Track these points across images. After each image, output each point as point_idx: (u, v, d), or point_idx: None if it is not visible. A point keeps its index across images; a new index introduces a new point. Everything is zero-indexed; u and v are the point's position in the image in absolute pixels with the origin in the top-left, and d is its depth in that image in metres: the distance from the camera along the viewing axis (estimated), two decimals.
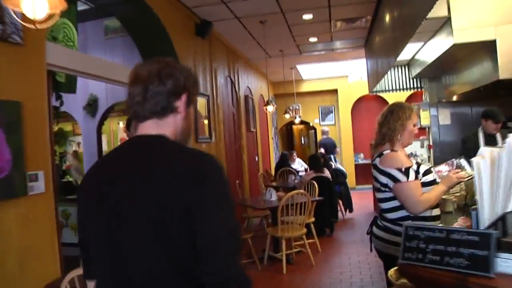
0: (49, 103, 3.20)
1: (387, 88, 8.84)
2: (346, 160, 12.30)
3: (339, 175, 8.37)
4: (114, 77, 4.12)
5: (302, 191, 5.41)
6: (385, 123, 2.72)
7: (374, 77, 8.04)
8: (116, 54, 5.93)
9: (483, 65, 5.97)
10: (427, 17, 4.07)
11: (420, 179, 2.50)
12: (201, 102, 5.80)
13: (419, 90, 8.92)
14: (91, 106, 6.34)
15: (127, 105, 1.31)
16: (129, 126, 3.60)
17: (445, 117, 8.26)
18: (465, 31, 5.18)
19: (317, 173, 7.07)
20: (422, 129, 11.96)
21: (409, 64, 8.64)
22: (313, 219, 6.01)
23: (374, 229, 2.76)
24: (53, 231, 3.06)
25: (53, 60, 3.25)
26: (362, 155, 12.47)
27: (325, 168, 7.27)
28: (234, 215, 1.20)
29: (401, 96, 11.78)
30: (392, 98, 11.99)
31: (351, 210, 8.38)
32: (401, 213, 2.50)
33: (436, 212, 2.57)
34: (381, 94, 11.58)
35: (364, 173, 12.24)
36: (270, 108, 7.76)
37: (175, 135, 1.29)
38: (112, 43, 6.08)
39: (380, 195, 2.64)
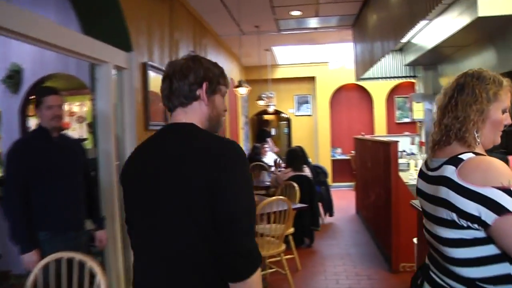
0: None
1: (375, 76, 7.77)
2: (322, 155, 11.23)
3: (319, 173, 7.26)
4: (45, 38, 2.80)
5: (282, 197, 4.23)
6: (450, 108, 1.56)
7: (365, 63, 6.94)
8: (49, 11, 4.58)
9: (487, 54, 5.34)
10: None
11: None
12: (155, 78, 4.54)
13: (412, 79, 7.86)
14: (12, 78, 4.94)
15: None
16: (39, 105, 2.77)
17: None
18: (492, 2, 4.13)
19: (296, 172, 5.93)
20: (411, 124, 11.20)
21: (403, 49, 7.58)
22: (292, 230, 4.87)
23: None
24: None
25: None
26: (339, 150, 11.43)
27: (305, 166, 6.14)
28: (252, 196, 1.35)
29: (387, 86, 10.85)
30: (375, 88, 11.00)
31: (331, 214, 7.30)
32: (497, 269, 1.35)
33: None
34: (363, 84, 10.60)
35: (340, 169, 11.23)
36: (243, 90, 6.51)
37: (202, 122, 1.46)
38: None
39: (447, 233, 1.42)
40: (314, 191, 5.97)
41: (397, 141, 4.55)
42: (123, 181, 1.51)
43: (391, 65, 7.71)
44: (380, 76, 7.77)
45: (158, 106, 4.69)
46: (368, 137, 7.91)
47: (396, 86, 11.03)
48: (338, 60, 9.81)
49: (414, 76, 7.72)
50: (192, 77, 1.42)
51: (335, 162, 11.30)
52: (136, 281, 1.45)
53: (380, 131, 10.96)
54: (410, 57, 7.36)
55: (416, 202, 3.29)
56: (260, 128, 15.94)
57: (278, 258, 4.33)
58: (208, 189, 1.26)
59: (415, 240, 3.77)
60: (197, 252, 1.30)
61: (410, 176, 4.84)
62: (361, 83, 10.69)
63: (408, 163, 4.85)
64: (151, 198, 1.37)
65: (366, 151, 6.54)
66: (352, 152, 10.83)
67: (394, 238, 4.58)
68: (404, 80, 7.95)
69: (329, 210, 7.25)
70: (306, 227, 5.79)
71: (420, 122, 7.67)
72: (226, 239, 1.26)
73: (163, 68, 5.10)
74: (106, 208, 3.50)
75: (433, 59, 7.23)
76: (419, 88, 7.61)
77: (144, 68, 4.27)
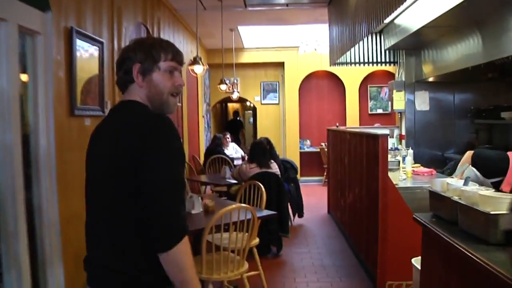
0: None
1: (352, 61, 6.97)
2: (290, 147, 10.43)
3: (288, 169, 6.42)
4: None
5: (244, 205, 3.33)
6: None
7: (342, 46, 6.11)
8: None
9: (473, 42, 5.05)
10: None
11: None
12: (86, 50, 3.54)
13: (392, 65, 7.11)
14: None
15: None
16: None
17: (423, 101, 6.52)
18: None
19: (262, 168, 5.07)
20: (385, 115, 10.57)
21: (383, 32, 6.80)
22: (257, 241, 4.01)
23: None
24: None
25: None
26: (308, 142, 10.67)
27: (272, 161, 5.28)
28: (177, 171, 1.40)
29: (361, 74, 10.12)
30: (348, 76, 10.25)
31: (301, 215, 6.49)
32: None
33: None
34: (335, 71, 9.85)
35: (309, 162, 10.49)
36: (198, 69, 5.51)
37: (143, 102, 1.49)
38: None
39: None
40: (283, 191, 5.11)
41: (387, 134, 3.75)
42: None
43: (370, 49, 6.94)
44: (357, 61, 6.98)
45: (92, 86, 3.70)
46: (345, 128, 7.11)
47: (370, 75, 10.34)
48: (309, 44, 8.97)
49: (394, 62, 6.97)
50: (126, 65, 1.49)
51: (303, 155, 10.54)
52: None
53: (352, 123, 10.25)
54: (391, 41, 6.60)
55: (423, 216, 2.49)
56: (234, 117, 15.16)
57: (239, 276, 3.45)
58: (132, 163, 1.33)
59: (414, 261, 2.97)
60: (127, 223, 1.39)
61: (400, 177, 4.05)
62: (333, 70, 9.99)
63: (398, 161, 4.09)
64: (91, 175, 1.51)
65: (343, 145, 5.75)
66: (323, 144, 10.11)
67: (381, 251, 3.79)
68: (383, 66, 7.19)
69: (299, 210, 6.44)
70: (274, 233, 4.95)
71: (399, 113, 6.94)
72: (148, 212, 1.33)
73: (100, 39, 4.11)
74: (7, 223, 2.54)
75: (416, 44, 6.50)
76: (400, 75, 6.88)
77: (69, 35, 3.27)
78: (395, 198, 3.73)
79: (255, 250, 3.92)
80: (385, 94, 10.49)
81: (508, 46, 4.32)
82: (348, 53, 6.68)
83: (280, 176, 5.25)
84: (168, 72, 1.48)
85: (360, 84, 10.38)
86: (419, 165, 4.97)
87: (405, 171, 4.36)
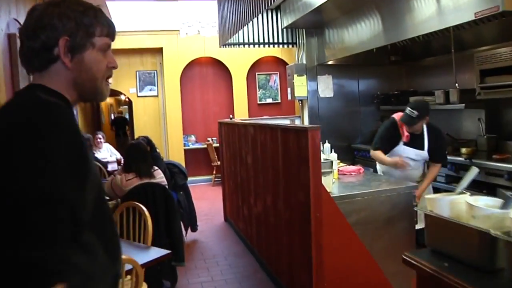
0: None
1: (245, 41, 5.95)
2: (173, 145, 9.15)
3: (175, 174, 5.18)
4: None
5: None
6: None
7: (235, 24, 5.07)
8: None
9: (374, 23, 4.89)
10: None
11: None
12: None
13: (291, 46, 6.24)
14: None
15: None
16: None
17: (326, 87, 5.76)
18: None
19: (144, 179, 3.79)
20: (275, 104, 9.82)
21: (280, 8, 5.88)
22: None
23: None
24: None
25: None
26: (193, 138, 9.48)
27: (155, 168, 4.02)
28: (64, 183, 0.93)
29: (248, 61, 9.21)
30: (235, 63, 9.24)
31: (194, 228, 5.32)
32: None
33: None
34: (221, 57, 8.83)
35: (195, 161, 9.32)
36: None
37: (66, 90, 1.11)
38: None
39: None
40: (173, 207, 3.87)
41: (318, 127, 2.75)
42: None
43: (266, 28, 5.98)
44: (250, 41, 5.98)
45: None
46: (247, 121, 6.10)
47: (258, 62, 9.48)
48: (192, 26, 7.75)
49: (293, 43, 6.11)
50: (45, 37, 1.07)
51: (188, 153, 9.34)
52: None
53: (241, 114, 9.32)
54: (289, 19, 5.73)
55: (421, 257, 1.53)
56: (118, 114, 13.45)
57: None
58: None
59: None
60: None
61: (333, 184, 3.10)
62: (218, 57, 8.95)
63: (331, 162, 3.15)
64: None
65: (243, 141, 4.70)
66: (210, 139, 9.06)
67: (316, 280, 2.81)
68: (281, 47, 6.29)
69: (192, 223, 5.26)
70: (165, 265, 3.73)
71: (300, 100, 6.11)
72: (9, 241, 0.88)
73: None
74: None
75: (317, 22, 5.71)
76: (300, 58, 6.04)
77: None
78: (332, 212, 2.77)
79: None
80: (274, 82, 9.79)
81: (409, 29, 4.33)
82: (240, 32, 5.65)
83: (167, 186, 4.03)
84: (102, 51, 1.14)
85: (248, 72, 9.49)
86: (338, 161, 4.12)
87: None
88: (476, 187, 4.03)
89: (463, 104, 4.61)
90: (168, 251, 2.57)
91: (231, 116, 8.05)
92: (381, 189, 3.05)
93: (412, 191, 3.14)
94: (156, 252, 2.52)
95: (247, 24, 4.74)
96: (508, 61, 4.28)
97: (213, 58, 9.16)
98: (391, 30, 4.67)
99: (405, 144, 3.75)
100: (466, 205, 1.45)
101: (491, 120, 4.70)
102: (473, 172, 1.73)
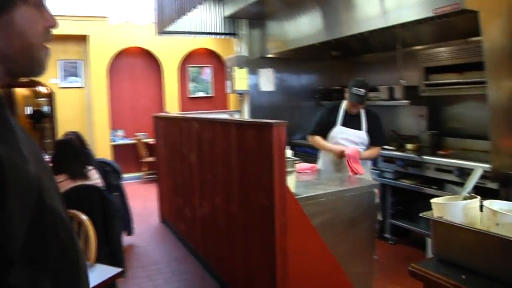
0: None
1: (183, 29, 5.59)
2: (100, 141, 8.54)
3: (108, 173, 4.72)
4: None
5: None
6: None
7: (173, 12, 4.71)
8: None
9: (316, 17, 4.83)
10: None
11: None
12: None
13: (231, 37, 5.96)
14: None
15: None
16: None
17: (267, 80, 5.59)
18: None
19: (77, 181, 3.35)
20: (206, 98, 9.46)
21: None
22: None
23: None
24: None
25: None
26: (122, 133, 8.92)
27: (89, 168, 3.58)
28: None
29: (180, 52, 8.82)
30: (166, 55, 8.81)
31: (130, 232, 4.90)
32: None
33: None
34: (153, 49, 8.40)
35: (124, 157, 8.76)
36: None
37: None
38: None
39: None
40: (112, 212, 3.46)
41: (285, 122, 2.52)
42: None
43: (205, 18, 5.65)
44: (189, 29, 5.63)
45: None
46: (189, 115, 5.74)
47: (190, 54, 9.13)
48: (122, 13, 7.21)
49: (234, 34, 5.83)
50: None
51: (116, 149, 8.77)
52: None
53: (172, 108, 8.92)
54: (231, 8, 5.46)
55: (430, 268, 1.36)
56: (36, 108, 12.50)
57: None
58: None
59: None
60: None
61: (296, 182, 2.88)
62: (149, 48, 8.51)
63: (293, 160, 2.92)
64: None
65: (185, 137, 4.36)
66: (139, 134, 8.58)
67: None
68: (222, 37, 5.96)
69: (128, 226, 4.85)
70: None
71: (241, 94, 5.87)
72: None
73: None
74: None
75: (259, 14, 5.50)
76: (242, 49, 5.79)
77: None
78: (297, 215, 2.56)
79: None
80: (207, 75, 9.50)
81: (350, 25, 4.35)
82: (178, 21, 5.30)
83: (104, 187, 3.62)
84: (37, 7, 0.80)
85: (179, 65, 9.09)
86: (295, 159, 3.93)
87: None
88: (424, 183, 4.07)
89: (407, 101, 4.64)
90: (120, 269, 2.20)
91: (167, 110, 7.64)
92: (346, 188, 2.89)
93: (373, 189, 3.02)
94: (104, 272, 2.14)
95: (189, 12, 4.41)
96: (450, 60, 4.36)
97: (144, 49, 8.67)
98: (333, 26, 4.63)
99: (342, 125, 3.73)
100: (488, 211, 1.30)
101: (432, 117, 4.77)
102: (478, 172, 1.60)
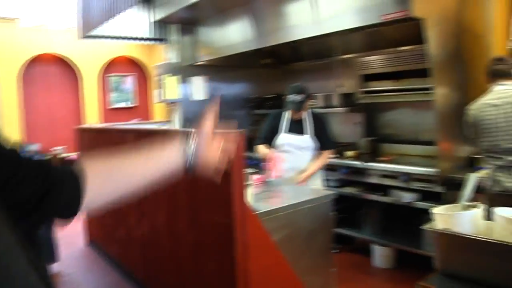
0: None
1: (108, 34, 5.20)
2: None
3: None
4: None
5: None
6: None
7: (97, 15, 4.34)
8: None
9: (247, 24, 4.75)
10: None
11: None
12: None
13: (161, 42, 5.65)
14: None
15: None
16: None
17: (199, 88, 5.39)
18: None
19: None
20: (129, 109, 8.98)
21: (151, 1, 5.25)
22: None
23: None
24: None
25: None
26: (35, 148, 8.13)
27: None
28: None
29: (100, 61, 8.29)
30: (85, 63, 8.26)
31: (55, 259, 4.38)
32: None
33: None
34: (70, 56, 7.84)
35: None
36: None
37: None
38: None
39: None
40: (37, 241, 3.05)
41: (244, 131, 2.32)
42: None
43: (133, 22, 5.29)
44: (115, 35, 5.24)
45: None
46: (121, 126, 5.31)
47: (111, 63, 8.64)
48: (37, 15, 6.58)
49: (163, 40, 5.52)
50: None
51: None
52: None
53: (93, 119, 8.36)
54: (161, 13, 5.16)
55: (440, 284, 1.23)
56: None
57: None
58: None
59: None
60: None
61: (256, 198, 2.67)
62: (67, 54, 7.91)
63: (250, 172, 2.71)
64: None
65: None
66: (57, 148, 7.94)
67: None
68: (151, 42, 5.61)
69: (51, 254, 4.32)
70: None
71: (173, 103, 5.56)
72: None
73: None
74: None
75: (190, 19, 5.27)
76: (172, 56, 5.50)
77: None
78: (257, 232, 2.36)
79: None
80: (130, 85, 9.06)
81: (282, 33, 4.33)
82: (104, 25, 4.92)
83: None
84: None
85: (99, 74, 8.56)
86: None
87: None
88: (367, 190, 4.06)
89: (345, 108, 4.66)
90: None
91: (91, 123, 7.09)
92: (303, 200, 2.74)
93: (329, 199, 2.91)
94: None
95: (119, 14, 4.07)
96: (385, 67, 4.44)
97: (60, 57, 8.03)
98: (266, 34, 4.56)
99: (287, 132, 3.66)
100: (504, 220, 1.20)
101: (369, 123, 4.83)
102: (474, 179, 1.51)
